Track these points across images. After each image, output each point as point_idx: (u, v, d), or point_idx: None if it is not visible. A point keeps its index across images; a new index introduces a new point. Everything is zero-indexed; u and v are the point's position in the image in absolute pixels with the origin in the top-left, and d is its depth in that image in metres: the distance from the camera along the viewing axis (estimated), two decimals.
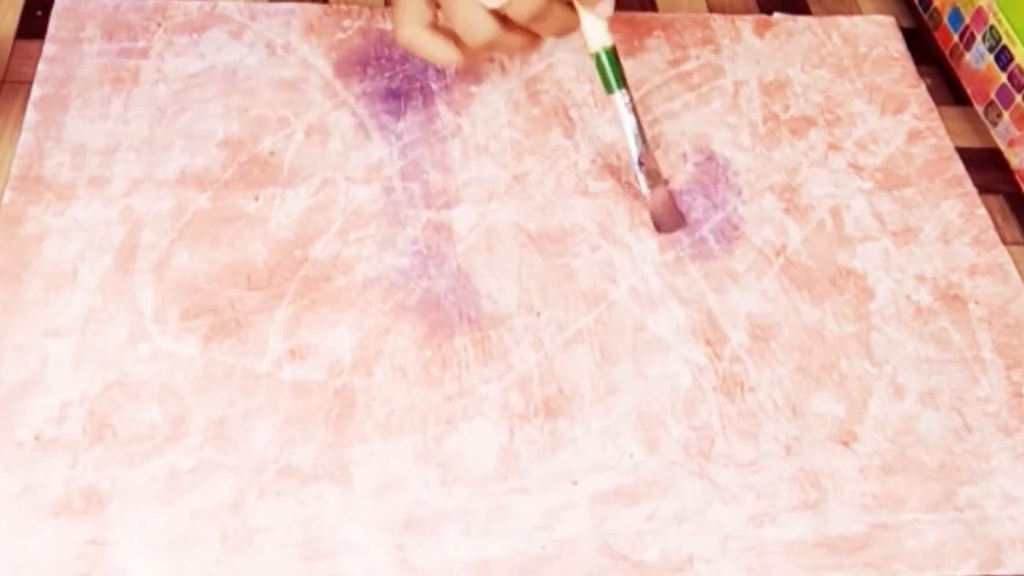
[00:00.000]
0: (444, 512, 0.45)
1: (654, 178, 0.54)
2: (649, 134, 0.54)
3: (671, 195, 0.55)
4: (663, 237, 0.55)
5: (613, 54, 0.51)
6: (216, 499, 0.44)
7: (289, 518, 0.44)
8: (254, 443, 0.45)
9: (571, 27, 0.50)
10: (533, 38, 0.49)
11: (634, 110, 0.52)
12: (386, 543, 0.43)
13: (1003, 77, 0.60)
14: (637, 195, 0.56)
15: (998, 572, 0.46)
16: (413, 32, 0.49)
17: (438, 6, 0.48)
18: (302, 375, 0.47)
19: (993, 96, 0.61)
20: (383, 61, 0.60)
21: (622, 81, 0.51)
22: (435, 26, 0.49)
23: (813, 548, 0.46)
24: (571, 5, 0.49)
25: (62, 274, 0.49)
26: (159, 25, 0.59)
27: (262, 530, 0.43)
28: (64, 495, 0.43)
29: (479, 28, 0.47)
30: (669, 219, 0.54)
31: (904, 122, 0.62)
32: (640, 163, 0.53)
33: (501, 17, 0.47)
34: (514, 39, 0.48)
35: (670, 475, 0.47)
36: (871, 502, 0.47)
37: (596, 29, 0.50)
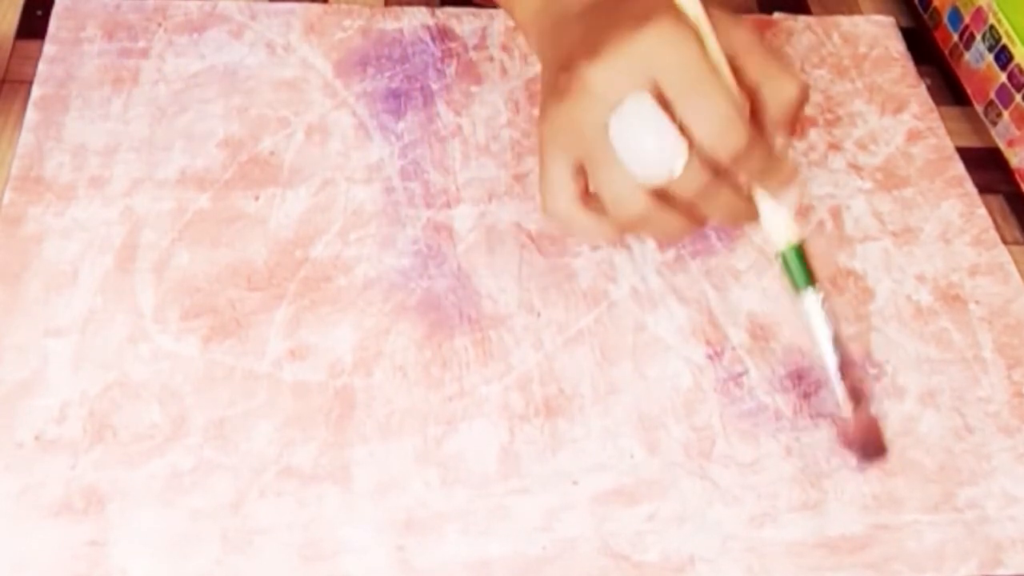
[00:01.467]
0: (444, 512, 0.45)
1: (856, 396, 0.45)
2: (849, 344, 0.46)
3: (876, 420, 0.47)
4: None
5: (801, 249, 0.43)
6: (216, 499, 0.44)
7: (289, 518, 0.44)
8: (254, 443, 0.45)
9: (744, 214, 0.43)
10: (697, 220, 0.42)
11: (831, 311, 0.44)
12: (386, 543, 0.43)
13: (1003, 77, 0.60)
14: None
15: (998, 572, 0.46)
16: (563, 206, 0.42)
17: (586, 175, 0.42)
18: (302, 375, 0.47)
19: (993, 96, 0.61)
20: (383, 61, 0.60)
21: (812, 278, 0.44)
22: (586, 195, 0.42)
23: (813, 548, 0.46)
24: (747, 189, 0.42)
25: (62, 274, 0.49)
26: (159, 25, 0.59)
27: (262, 530, 0.43)
28: (64, 495, 0.43)
29: (629, 204, 0.40)
30: (873, 447, 0.46)
31: (904, 122, 0.62)
32: (843, 375, 0.44)
33: (660, 193, 0.40)
34: (672, 220, 0.41)
35: (670, 475, 0.47)
36: (871, 503, 0.47)
37: (780, 222, 0.43)
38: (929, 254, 0.56)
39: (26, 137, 0.53)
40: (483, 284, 0.52)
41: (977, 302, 0.55)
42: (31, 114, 0.54)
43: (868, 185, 0.59)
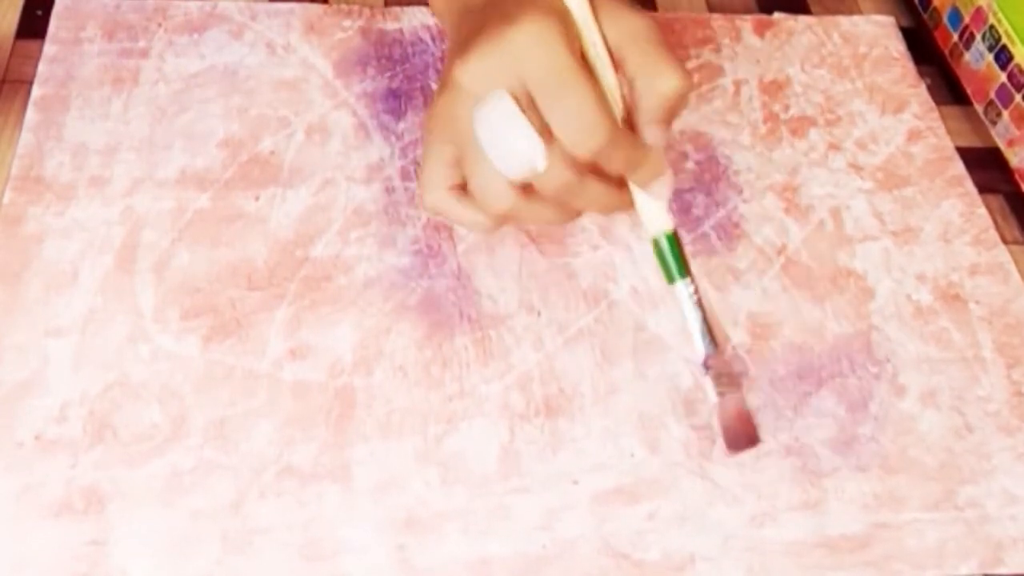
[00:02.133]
0: (444, 512, 0.44)
1: (725, 383, 0.46)
2: (722, 331, 0.47)
3: (744, 407, 0.46)
4: None
5: (675, 239, 0.44)
6: (216, 499, 0.44)
7: (289, 518, 0.44)
8: (254, 443, 0.45)
9: (616, 205, 0.44)
10: (569, 212, 0.44)
11: (700, 303, 0.45)
12: (387, 543, 0.43)
13: (1003, 76, 0.60)
14: None
15: (999, 571, 0.46)
16: (438, 197, 0.44)
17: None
18: (302, 375, 0.47)
19: (993, 96, 0.61)
20: (383, 61, 0.60)
21: (686, 269, 0.44)
22: (462, 188, 0.44)
23: (814, 548, 0.46)
24: (618, 182, 0.43)
25: (62, 274, 0.49)
26: (159, 25, 0.59)
27: (262, 530, 0.43)
28: (64, 495, 0.43)
29: (495, 199, 0.42)
30: (742, 434, 0.46)
31: (904, 122, 0.62)
32: (707, 366, 0.45)
33: (528, 187, 0.42)
34: (541, 211, 0.43)
35: (671, 475, 0.47)
36: (872, 502, 0.47)
37: (654, 211, 0.44)
38: (929, 254, 0.56)
39: (26, 137, 0.53)
40: (483, 284, 0.52)
41: (977, 302, 0.55)
42: (31, 114, 0.54)
43: (868, 185, 0.59)
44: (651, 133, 0.42)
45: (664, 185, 0.43)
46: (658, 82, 0.41)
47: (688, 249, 0.54)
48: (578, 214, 0.44)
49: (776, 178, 0.58)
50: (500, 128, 0.40)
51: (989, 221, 0.58)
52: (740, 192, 0.57)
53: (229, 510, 0.43)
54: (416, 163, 0.55)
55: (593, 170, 0.41)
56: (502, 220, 0.44)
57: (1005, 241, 0.58)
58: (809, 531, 0.46)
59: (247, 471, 0.44)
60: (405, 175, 0.55)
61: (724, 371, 0.46)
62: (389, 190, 0.54)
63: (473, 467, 0.46)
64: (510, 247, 0.53)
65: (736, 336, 0.51)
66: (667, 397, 0.49)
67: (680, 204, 0.56)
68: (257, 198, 0.53)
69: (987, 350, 0.53)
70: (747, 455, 0.47)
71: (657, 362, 0.50)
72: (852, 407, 0.50)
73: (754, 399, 0.49)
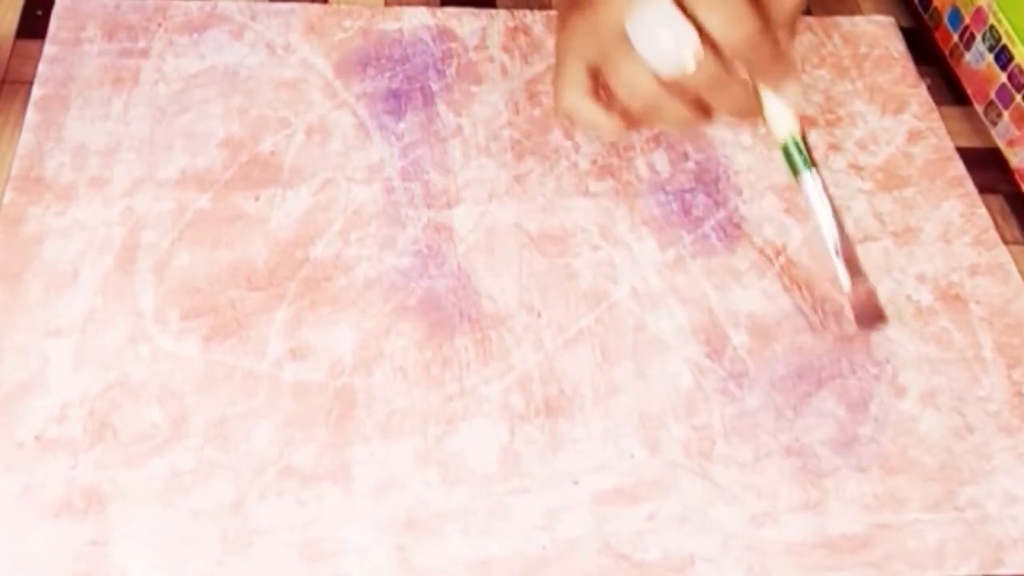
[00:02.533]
0: (445, 512, 0.44)
1: (855, 269, 0.49)
2: (844, 222, 0.48)
3: (873, 291, 0.50)
4: (663, 237, 0.55)
5: (803, 139, 0.47)
6: (217, 499, 0.44)
7: (290, 518, 0.44)
8: (255, 443, 0.45)
9: (751, 110, 0.46)
10: (704, 113, 0.45)
11: (828, 194, 0.47)
12: (387, 543, 0.43)
13: (1003, 77, 0.60)
14: (636, 195, 0.56)
15: (999, 572, 0.46)
16: (574, 98, 0.45)
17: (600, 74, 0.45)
18: (303, 375, 0.47)
19: (993, 96, 0.61)
20: (383, 61, 0.60)
21: (812, 161, 0.47)
22: (597, 94, 0.45)
23: (814, 548, 0.46)
24: (753, 83, 0.45)
25: (62, 274, 0.49)
26: (159, 25, 0.59)
27: (263, 530, 0.43)
28: (64, 495, 0.43)
29: (640, 90, 0.43)
30: (871, 316, 0.50)
31: (904, 122, 0.62)
32: (838, 252, 0.48)
33: (670, 84, 0.43)
34: (680, 109, 0.44)
35: (671, 475, 0.47)
36: (872, 502, 0.47)
37: (782, 115, 0.46)
38: (929, 254, 0.56)
39: (26, 137, 0.53)
40: (483, 284, 0.52)
41: (977, 302, 0.55)
42: (31, 114, 0.54)
43: (869, 185, 0.59)
44: (782, 36, 0.44)
45: (794, 89, 0.45)
46: None
47: (688, 249, 0.54)
48: (710, 116, 0.45)
49: (776, 178, 0.58)
50: (657, 24, 0.42)
51: (989, 221, 0.58)
52: (740, 192, 0.57)
53: (229, 510, 0.43)
54: (416, 163, 0.55)
55: (731, 71, 0.43)
56: (638, 118, 0.45)
57: (1005, 241, 0.57)
58: (809, 531, 0.46)
59: (247, 471, 0.44)
60: (405, 175, 0.55)
61: (853, 257, 0.48)
62: (389, 190, 0.54)
63: (473, 467, 0.46)
64: (510, 247, 0.53)
65: (737, 337, 0.51)
66: (667, 397, 0.49)
67: (680, 204, 0.56)
68: (257, 198, 0.53)
69: (987, 350, 0.53)
70: (747, 456, 0.47)
71: (657, 362, 0.50)
72: (852, 407, 0.50)
73: (754, 399, 0.49)
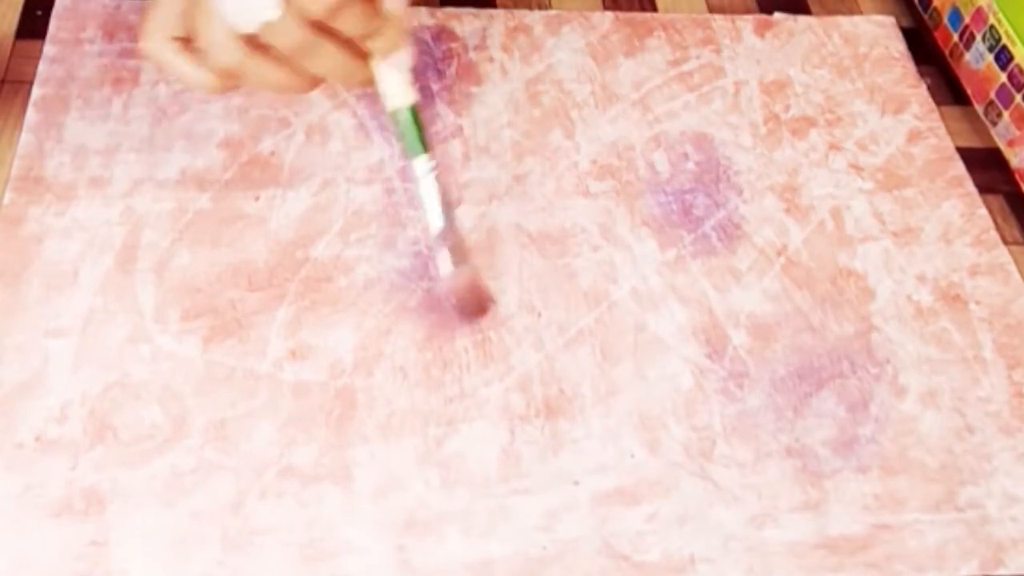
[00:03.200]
0: (445, 513, 0.44)
1: (458, 255, 0.48)
2: (453, 210, 0.48)
3: (477, 277, 0.49)
4: (663, 237, 0.55)
5: (416, 113, 0.45)
6: (217, 500, 0.44)
7: (290, 519, 0.43)
8: (255, 444, 0.45)
9: (354, 74, 0.43)
10: (301, 76, 0.42)
11: (438, 179, 0.47)
12: (387, 544, 0.43)
13: (1003, 77, 0.60)
14: (636, 195, 0.56)
15: (999, 572, 0.46)
16: (156, 45, 0.43)
17: None
18: (303, 376, 0.47)
19: (993, 96, 0.61)
20: None
21: (426, 145, 0.46)
22: (187, 43, 0.43)
23: (814, 549, 0.46)
24: (359, 52, 0.43)
25: (63, 274, 0.49)
26: None
27: (263, 531, 0.43)
28: (65, 496, 0.43)
29: (223, 50, 0.41)
30: (474, 304, 0.49)
31: (904, 122, 0.62)
32: (443, 239, 0.47)
33: (255, 44, 0.41)
34: (271, 72, 0.42)
35: (671, 476, 0.47)
36: (872, 503, 0.47)
37: (395, 84, 0.45)
38: (929, 254, 0.56)
39: (26, 137, 0.53)
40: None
41: (977, 302, 0.55)
42: (31, 114, 0.54)
43: (869, 185, 0.59)
44: (391, 4, 0.42)
45: (404, 57, 0.44)
46: None
47: (689, 249, 0.54)
48: (314, 83, 0.43)
49: (776, 179, 0.58)
50: None
51: (989, 222, 0.58)
52: (740, 193, 0.57)
53: (229, 511, 0.43)
54: None
55: (333, 36, 0.41)
56: (228, 79, 0.43)
57: (1005, 242, 0.57)
58: (810, 532, 0.46)
59: (248, 472, 0.44)
60: (406, 176, 0.55)
61: (457, 245, 0.48)
62: (389, 191, 0.54)
63: (473, 468, 0.46)
64: (510, 248, 0.53)
65: (737, 337, 0.51)
66: (667, 398, 0.49)
67: (681, 205, 0.56)
68: (257, 199, 0.53)
69: (987, 351, 0.53)
70: (747, 456, 0.48)
71: (657, 363, 0.50)
72: (852, 408, 0.50)
73: (755, 400, 0.49)
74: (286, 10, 0.39)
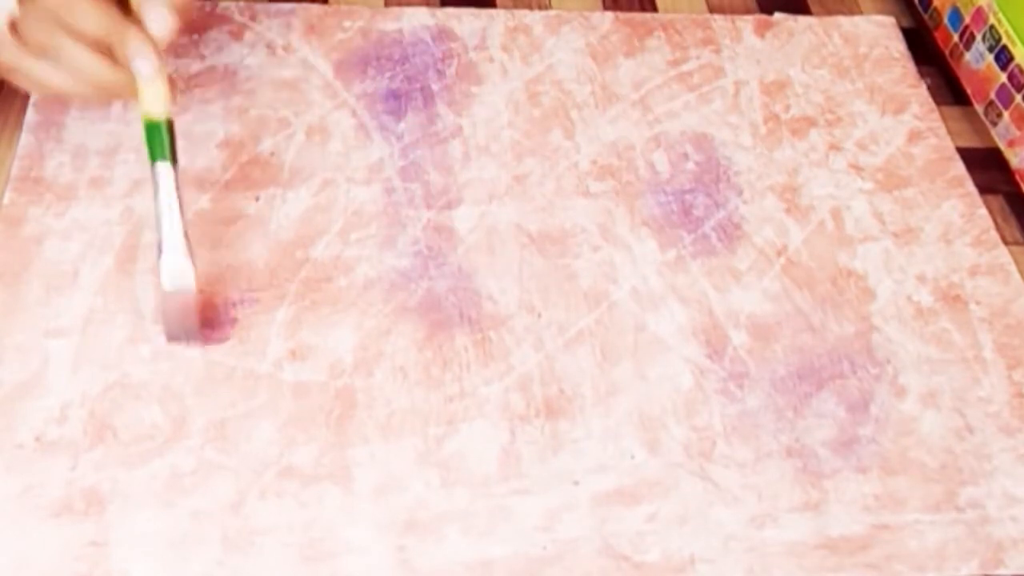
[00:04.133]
0: (445, 513, 0.44)
1: (179, 277, 0.45)
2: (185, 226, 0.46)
3: (193, 304, 0.46)
4: (663, 237, 0.54)
5: (170, 127, 0.46)
6: (217, 500, 0.43)
7: (290, 519, 0.43)
8: (255, 444, 0.45)
9: (112, 81, 0.45)
10: (77, 79, 0.44)
11: (178, 193, 0.46)
12: (387, 544, 0.43)
13: (1003, 77, 0.60)
14: (636, 195, 0.56)
15: (999, 572, 0.46)
16: None
17: None
18: (303, 376, 0.47)
19: (993, 96, 0.61)
20: (383, 61, 0.60)
21: (172, 156, 0.46)
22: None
23: (814, 549, 0.45)
24: (111, 55, 0.44)
25: (63, 275, 0.49)
26: None
27: (263, 531, 0.43)
28: (65, 496, 0.43)
29: (1, 49, 0.43)
30: (185, 327, 0.46)
31: (905, 122, 0.62)
32: (167, 251, 0.45)
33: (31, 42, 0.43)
34: (43, 70, 0.44)
35: (671, 476, 0.47)
36: (872, 503, 0.47)
37: (151, 93, 0.45)
38: (930, 254, 0.56)
39: (26, 138, 0.53)
40: (484, 285, 0.52)
41: (978, 302, 0.55)
42: (31, 115, 0.54)
43: (869, 185, 0.59)
44: (151, 15, 0.44)
45: (155, 67, 0.45)
46: None
47: (688, 250, 0.54)
48: (102, 91, 0.45)
49: (777, 179, 0.58)
50: None
51: (990, 222, 0.58)
52: (740, 193, 0.57)
53: (230, 511, 0.43)
54: (416, 164, 0.55)
55: (79, 35, 0.43)
56: (11, 76, 0.45)
57: (1005, 242, 0.57)
58: (810, 532, 0.46)
59: (248, 472, 0.44)
60: (405, 176, 0.55)
61: (182, 262, 0.45)
62: (389, 191, 0.54)
63: (474, 468, 0.46)
64: (510, 248, 0.53)
65: (737, 337, 0.51)
66: (667, 398, 0.49)
67: (681, 205, 0.56)
68: (257, 199, 0.53)
69: (988, 351, 0.53)
70: (748, 456, 0.48)
71: (658, 363, 0.50)
72: (852, 408, 0.50)
73: (755, 400, 0.49)
74: (24, 3, 0.41)
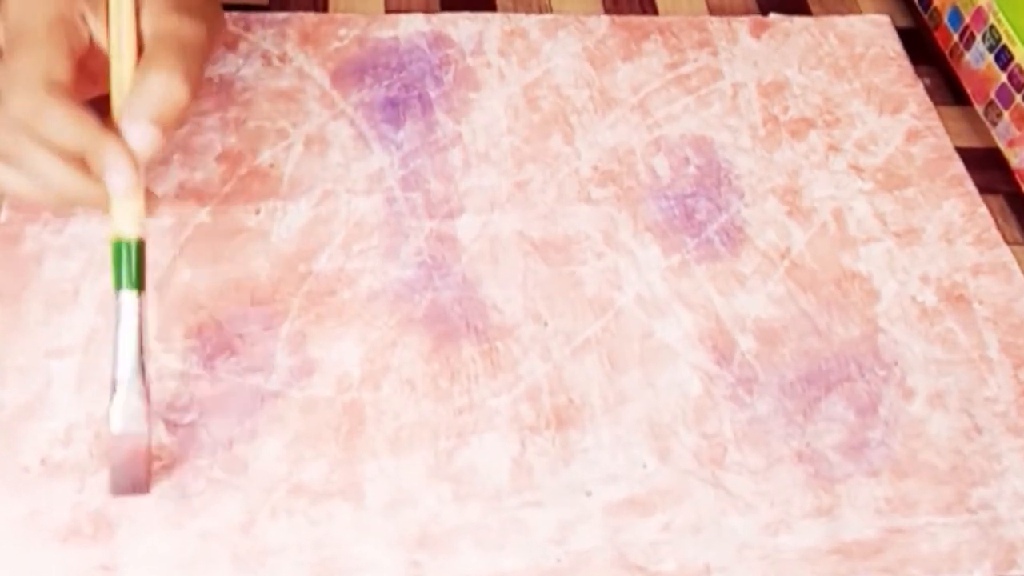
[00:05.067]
0: (458, 527, 0.44)
1: (132, 417, 0.41)
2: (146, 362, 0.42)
3: (145, 449, 0.42)
4: (667, 242, 0.54)
5: (140, 248, 0.42)
6: (226, 520, 0.43)
7: (301, 537, 0.43)
8: (263, 462, 0.45)
9: (85, 194, 0.42)
10: (44, 189, 0.43)
11: (141, 323, 0.42)
12: (400, 560, 0.43)
13: (1003, 77, 0.60)
14: (638, 200, 0.56)
15: (1012, 573, 0.46)
16: None
17: None
18: (310, 391, 0.47)
19: (993, 96, 0.61)
20: (380, 70, 0.59)
21: (142, 283, 0.42)
22: None
23: (828, 555, 0.45)
24: (83, 165, 0.42)
25: (63, 293, 0.48)
26: None
27: (274, 550, 0.43)
28: (72, 520, 0.42)
29: None
30: (130, 475, 0.42)
31: (903, 122, 0.62)
32: (118, 387, 0.41)
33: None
34: (12, 178, 0.43)
35: (683, 484, 0.47)
36: (884, 506, 0.47)
37: (123, 212, 0.42)
38: (932, 254, 0.56)
39: None
40: (489, 294, 0.51)
41: (981, 302, 0.55)
42: None
43: (869, 186, 0.59)
44: (132, 130, 0.41)
45: (131, 184, 0.41)
46: (151, 76, 0.41)
47: (692, 255, 0.54)
48: (65, 200, 0.44)
49: (777, 181, 0.58)
50: None
51: (990, 221, 0.58)
52: (742, 196, 0.57)
53: (240, 531, 0.43)
54: (416, 173, 0.55)
55: (48, 145, 0.41)
56: None
57: (1006, 242, 0.57)
58: (823, 538, 0.46)
59: (257, 490, 0.44)
60: (406, 185, 0.54)
61: (136, 403, 0.41)
62: (390, 200, 0.54)
63: (485, 481, 0.45)
64: (514, 256, 0.53)
65: (744, 342, 0.51)
66: (677, 405, 0.49)
67: (683, 210, 0.56)
68: (257, 211, 0.52)
69: (993, 350, 0.53)
70: (759, 462, 0.47)
71: (666, 370, 0.50)
72: (861, 411, 0.50)
73: (764, 405, 0.49)
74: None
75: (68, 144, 0.41)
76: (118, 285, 0.42)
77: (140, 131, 0.41)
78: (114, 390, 0.41)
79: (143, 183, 0.42)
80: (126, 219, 0.42)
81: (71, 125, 0.40)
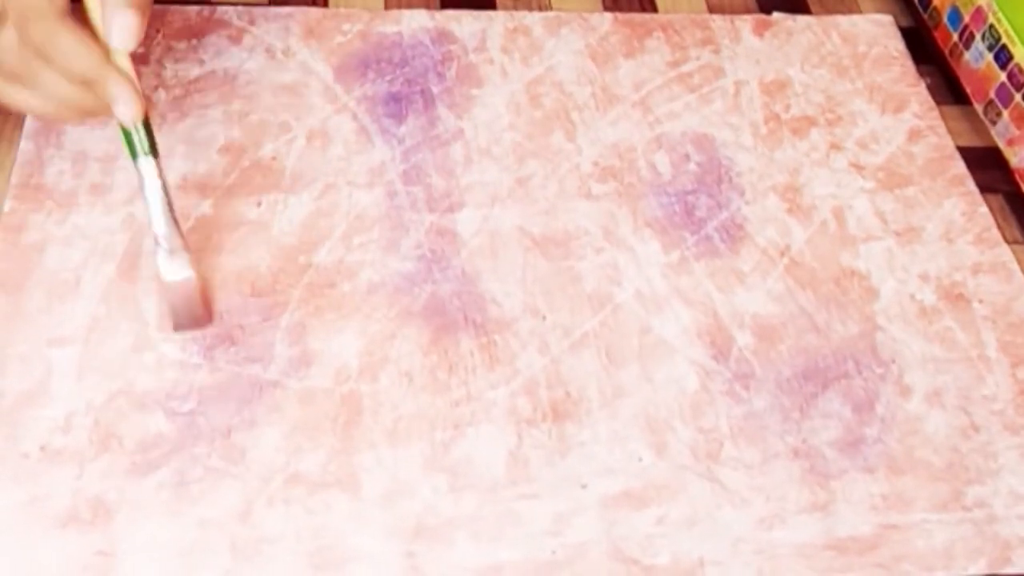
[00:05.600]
0: (454, 518, 0.44)
1: (179, 264, 0.47)
2: (176, 215, 0.47)
3: (200, 287, 0.48)
4: (666, 238, 0.54)
5: (147, 124, 0.46)
6: (224, 508, 0.43)
7: (298, 526, 0.43)
8: (261, 451, 0.45)
9: (83, 107, 0.46)
10: (51, 102, 0.46)
11: (164, 184, 0.47)
12: (396, 550, 0.43)
13: (1002, 76, 0.60)
14: (639, 196, 0.56)
15: (1007, 571, 0.46)
16: None
17: None
18: (308, 382, 0.47)
19: (992, 95, 0.61)
20: (383, 64, 0.59)
21: (154, 150, 0.46)
22: None
23: (823, 550, 0.46)
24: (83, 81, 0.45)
25: (64, 283, 0.48)
26: (158, 31, 0.58)
27: (271, 539, 0.43)
28: (71, 506, 0.42)
29: None
30: (191, 314, 0.47)
31: (905, 121, 0.62)
32: (165, 244, 0.47)
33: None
34: (20, 94, 0.45)
35: (679, 478, 0.47)
36: (880, 503, 0.47)
37: (121, 99, 0.46)
38: (932, 253, 0.56)
39: (26, 144, 0.52)
40: (488, 288, 0.51)
41: (980, 301, 0.55)
42: (31, 121, 0.53)
43: (870, 184, 0.59)
44: (115, 18, 0.44)
45: (136, 112, 0.45)
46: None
47: (692, 251, 0.54)
48: (76, 111, 0.46)
49: (778, 179, 0.58)
50: None
51: (991, 220, 0.58)
52: (743, 193, 0.57)
53: (237, 519, 0.43)
54: (418, 167, 0.55)
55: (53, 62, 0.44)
56: None
57: (1006, 241, 0.58)
58: (818, 533, 0.46)
59: (255, 479, 0.44)
60: (407, 179, 0.55)
61: (179, 251, 0.47)
62: (391, 194, 0.54)
63: (481, 473, 0.46)
64: (514, 251, 0.53)
65: (742, 338, 0.51)
66: (674, 400, 0.49)
67: (683, 206, 0.56)
68: (259, 204, 0.52)
69: (991, 349, 0.53)
70: (755, 458, 0.47)
71: (663, 365, 0.50)
72: (858, 408, 0.50)
73: (761, 401, 0.49)
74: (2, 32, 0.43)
75: (75, 70, 0.44)
76: (134, 155, 0.46)
77: (122, 18, 0.44)
78: (157, 244, 0.46)
79: (145, 105, 0.46)
80: (125, 104, 0.45)
81: (80, 54, 0.44)
